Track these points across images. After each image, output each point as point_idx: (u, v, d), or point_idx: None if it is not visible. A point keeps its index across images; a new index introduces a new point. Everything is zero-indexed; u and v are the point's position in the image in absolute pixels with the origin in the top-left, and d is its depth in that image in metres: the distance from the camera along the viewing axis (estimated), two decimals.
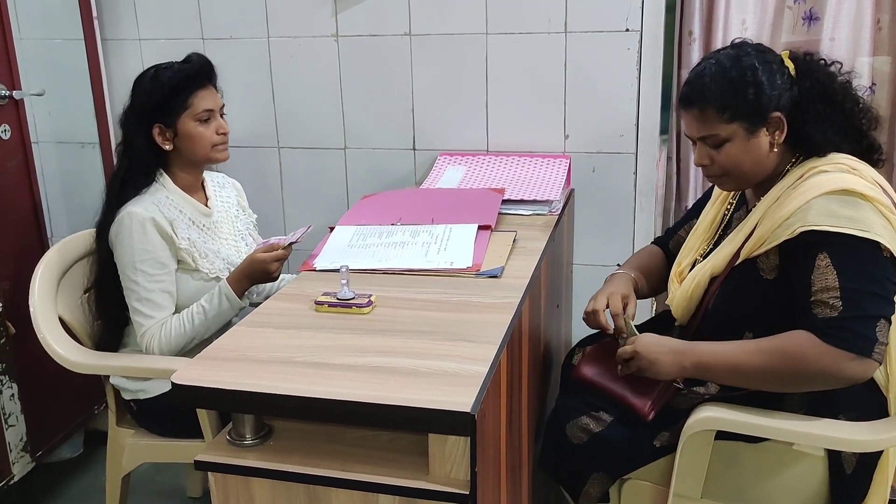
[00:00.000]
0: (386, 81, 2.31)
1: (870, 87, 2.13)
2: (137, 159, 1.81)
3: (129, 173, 1.81)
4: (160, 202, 1.79)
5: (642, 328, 1.68)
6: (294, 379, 1.16)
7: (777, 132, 1.44)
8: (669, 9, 2.12)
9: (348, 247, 1.70)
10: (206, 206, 1.92)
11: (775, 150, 1.45)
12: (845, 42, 2.11)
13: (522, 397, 1.52)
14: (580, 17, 2.12)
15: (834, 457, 1.43)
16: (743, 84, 1.41)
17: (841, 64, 1.50)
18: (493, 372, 1.17)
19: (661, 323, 1.76)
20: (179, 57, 1.87)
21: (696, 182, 2.34)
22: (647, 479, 1.55)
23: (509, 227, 1.84)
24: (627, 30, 2.10)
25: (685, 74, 2.18)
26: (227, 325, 1.79)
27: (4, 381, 2.05)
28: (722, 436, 1.44)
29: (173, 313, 1.79)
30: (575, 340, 1.92)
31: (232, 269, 1.83)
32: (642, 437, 1.52)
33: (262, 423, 1.24)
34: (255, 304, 1.92)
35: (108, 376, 1.87)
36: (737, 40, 1.52)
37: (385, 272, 1.59)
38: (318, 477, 1.15)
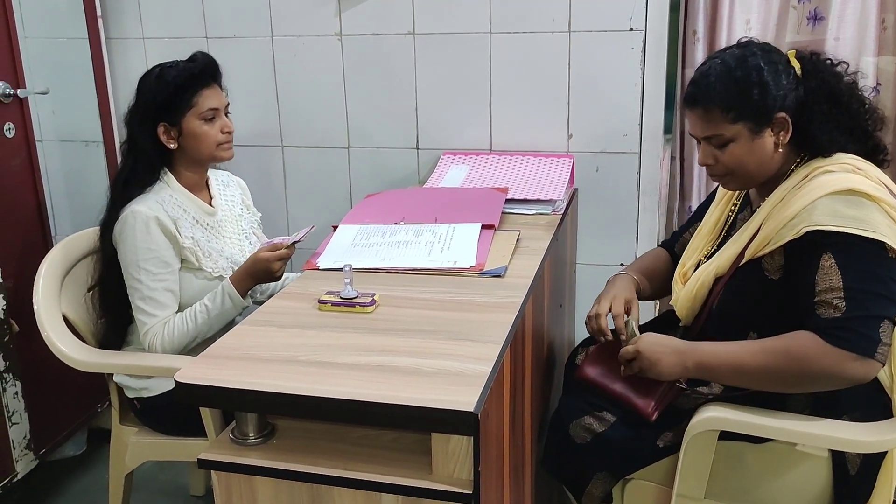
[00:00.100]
0: (389, 80, 2.31)
1: (875, 88, 2.12)
2: (142, 158, 1.81)
3: (134, 172, 1.81)
4: (164, 201, 1.79)
5: (645, 328, 1.68)
6: (297, 378, 1.16)
7: (782, 132, 1.44)
8: (674, 8, 2.12)
9: (352, 246, 1.70)
10: (211, 204, 1.92)
11: (780, 150, 1.45)
12: (850, 42, 2.10)
13: (525, 397, 1.52)
14: (584, 17, 2.12)
15: (838, 457, 1.43)
16: (748, 84, 1.41)
17: (847, 64, 1.50)
18: (497, 372, 1.17)
19: (665, 323, 1.76)
20: (183, 56, 1.87)
21: (699, 182, 2.33)
22: (650, 480, 1.55)
23: (512, 226, 1.84)
24: (631, 29, 2.10)
25: (689, 74, 2.19)
26: (231, 324, 1.79)
27: (8, 379, 2.06)
28: (725, 436, 1.43)
29: (176, 312, 1.79)
30: (578, 340, 1.92)
31: (236, 268, 1.84)
32: (645, 437, 1.52)
33: (265, 422, 1.24)
34: (258, 303, 1.93)
35: (112, 374, 1.87)
36: (743, 40, 1.51)
37: (388, 271, 1.59)
38: (321, 476, 1.15)
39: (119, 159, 1.95)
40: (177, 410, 1.75)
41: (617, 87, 2.14)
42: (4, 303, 2.03)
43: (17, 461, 2.10)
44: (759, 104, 1.41)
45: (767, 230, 1.42)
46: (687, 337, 1.60)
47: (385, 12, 2.25)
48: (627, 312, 1.62)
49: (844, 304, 1.31)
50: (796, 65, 1.45)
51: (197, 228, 1.84)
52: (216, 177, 2.00)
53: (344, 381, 1.15)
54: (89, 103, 2.40)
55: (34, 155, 2.16)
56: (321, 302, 1.41)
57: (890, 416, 1.43)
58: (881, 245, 1.33)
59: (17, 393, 2.09)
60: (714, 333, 1.52)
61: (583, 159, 2.22)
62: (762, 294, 1.45)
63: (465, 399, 1.08)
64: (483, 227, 1.74)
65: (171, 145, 1.82)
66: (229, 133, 1.87)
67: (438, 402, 1.08)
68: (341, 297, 1.40)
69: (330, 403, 1.11)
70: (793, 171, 1.47)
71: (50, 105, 2.43)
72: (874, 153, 1.49)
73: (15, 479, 2.11)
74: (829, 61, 1.49)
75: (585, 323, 1.65)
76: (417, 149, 2.35)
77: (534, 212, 1.97)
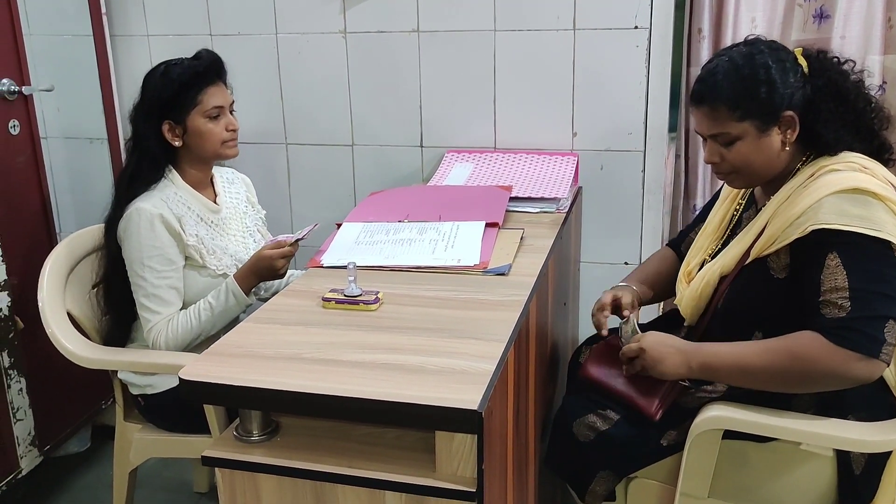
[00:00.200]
0: (394, 78, 2.31)
1: (881, 86, 2.11)
2: (147, 155, 1.81)
3: (139, 169, 1.81)
4: (169, 198, 1.79)
5: (649, 327, 1.68)
6: (301, 375, 1.16)
7: (789, 131, 1.43)
8: (679, 6, 2.11)
9: (355, 243, 1.70)
10: (215, 202, 1.92)
11: (787, 148, 1.44)
12: (856, 40, 2.09)
13: (529, 395, 1.52)
14: (589, 14, 2.11)
15: (843, 457, 1.42)
16: (755, 82, 1.40)
17: (854, 62, 1.49)
18: (501, 370, 1.17)
19: (668, 322, 1.76)
20: (188, 53, 1.87)
21: (704, 180, 2.33)
22: (653, 478, 1.55)
23: (516, 224, 1.83)
24: (636, 27, 2.09)
25: (694, 72, 2.18)
26: (235, 322, 1.79)
27: (13, 376, 2.06)
28: (729, 435, 1.43)
29: (181, 309, 1.80)
30: (582, 338, 1.92)
31: (240, 265, 1.84)
32: (649, 435, 1.52)
33: (269, 420, 1.24)
34: (262, 300, 1.93)
35: (116, 371, 1.88)
36: (750, 37, 1.50)
37: (392, 269, 1.59)
38: (325, 473, 1.15)
39: (124, 156, 1.95)
40: (181, 407, 1.74)
41: (621, 85, 2.14)
42: (9, 299, 2.04)
43: (21, 457, 2.11)
44: (766, 102, 1.40)
45: (773, 229, 1.42)
46: (691, 336, 1.60)
47: (389, 10, 2.25)
48: (629, 309, 1.63)
49: (850, 304, 1.30)
50: (803, 63, 1.45)
51: (201, 226, 1.84)
52: (221, 174, 2.00)
53: (348, 378, 1.15)
54: (94, 100, 2.40)
55: (39, 152, 2.16)
56: (325, 300, 1.41)
57: (895, 415, 1.43)
58: (887, 244, 1.33)
59: (21, 389, 2.09)
60: (719, 333, 1.51)
61: (587, 157, 2.22)
62: (767, 293, 1.44)
63: (469, 397, 1.08)
64: (487, 225, 1.74)
65: (176, 143, 1.82)
66: (234, 131, 1.87)
67: (442, 401, 1.08)
68: (345, 295, 1.40)
69: (334, 401, 1.11)
70: (798, 169, 1.46)
71: (55, 102, 2.43)
72: (880, 152, 1.48)
73: (19, 476, 2.11)
74: (835, 59, 1.49)
75: (592, 315, 1.67)
76: (421, 147, 2.35)
77: (538, 210, 1.97)
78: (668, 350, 1.45)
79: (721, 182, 1.67)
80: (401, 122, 2.34)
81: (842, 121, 1.43)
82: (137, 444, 1.89)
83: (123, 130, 2.38)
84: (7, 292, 2.03)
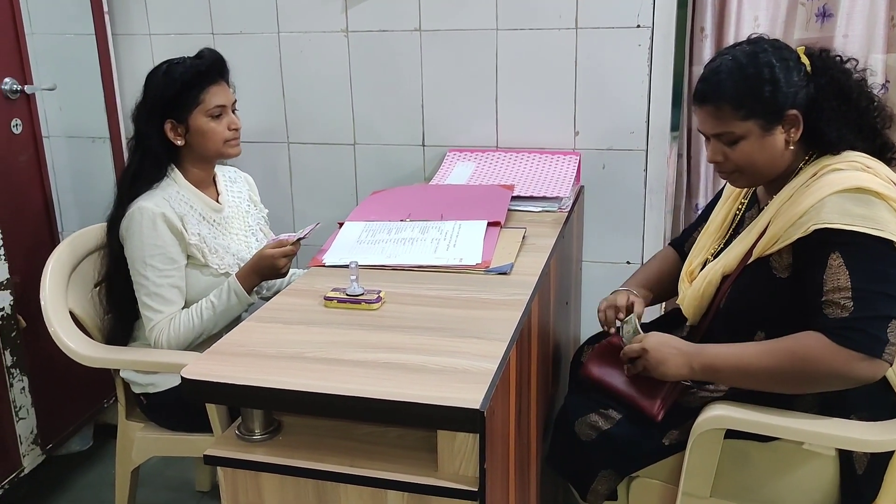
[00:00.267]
0: (396, 77, 2.31)
1: (883, 85, 2.11)
2: (149, 154, 1.81)
3: (141, 168, 1.81)
4: (171, 197, 1.80)
5: (651, 327, 1.67)
6: (303, 374, 1.16)
7: (793, 130, 1.43)
8: (681, 5, 2.11)
9: (357, 243, 1.70)
10: (217, 201, 1.92)
11: (790, 147, 1.44)
12: (859, 39, 2.09)
13: (531, 394, 1.52)
14: (591, 13, 2.11)
15: (845, 457, 1.42)
16: (760, 81, 1.40)
17: (856, 61, 1.49)
18: (503, 369, 1.17)
19: (670, 322, 1.76)
20: (190, 52, 1.87)
21: (706, 179, 2.32)
22: (655, 478, 1.55)
23: (519, 223, 1.83)
24: (639, 26, 2.09)
25: (697, 71, 2.18)
26: (237, 321, 1.79)
27: (15, 374, 2.06)
28: (732, 434, 1.43)
29: (182, 308, 1.80)
30: (584, 338, 1.92)
31: (242, 264, 1.84)
32: (651, 435, 1.52)
33: (271, 419, 1.24)
34: (265, 299, 1.93)
35: (118, 370, 1.88)
36: (753, 36, 1.50)
37: (394, 268, 1.58)
38: (327, 472, 1.15)
39: (126, 156, 1.95)
40: (183, 406, 1.74)
41: (624, 84, 2.14)
42: (11, 298, 2.04)
43: (23, 456, 2.11)
44: (770, 101, 1.40)
45: (775, 228, 1.42)
46: (693, 336, 1.60)
47: (391, 8, 2.25)
48: (630, 310, 1.63)
49: (852, 303, 1.30)
50: (805, 62, 1.44)
51: (203, 225, 1.84)
52: (223, 173, 2.00)
53: (350, 377, 1.15)
54: (96, 99, 2.40)
55: (41, 151, 2.16)
56: (327, 299, 1.41)
57: None
58: (890, 244, 1.32)
59: (24, 388, 2.09)
60: (721, 332, 1.51)
61: (589, 156, 2.22)
62: (770, 293, 1.44)
63: (471, 396, 1.08)
64: (489, 224, 1.74)
65: (179, 142, 1.82)
66: (236, 130, 1.87)
67: (444, 400, 1.08)
68: (347, 294, 1.40)
69: (336, 400, 1.11)
70: (801, 168, 1.46)
71: (57, 101, 2.43)
72: (882, 151, 1.48)
73: (22, 474, 2.12)
74: (837, 58, 1.48)
75: (599, 311, 1.67)
76: (423, 146, 2.35)
77: (540, 209, 1.97)
78: (670, 351, 1.45)
79: (723, 181, 1.66)
80: (403, 120, 2.34)
81: (845, 119, 1.42)
82: (139, 442, 1.90)
83: (125, 129, 2.38)
84: (9, 291, 2.03)
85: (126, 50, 2.49)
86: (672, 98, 2.15)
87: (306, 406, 1.16)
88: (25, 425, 2.11)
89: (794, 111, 1.41)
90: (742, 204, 1.63)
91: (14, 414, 2.07)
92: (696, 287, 1.57)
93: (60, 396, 2.22)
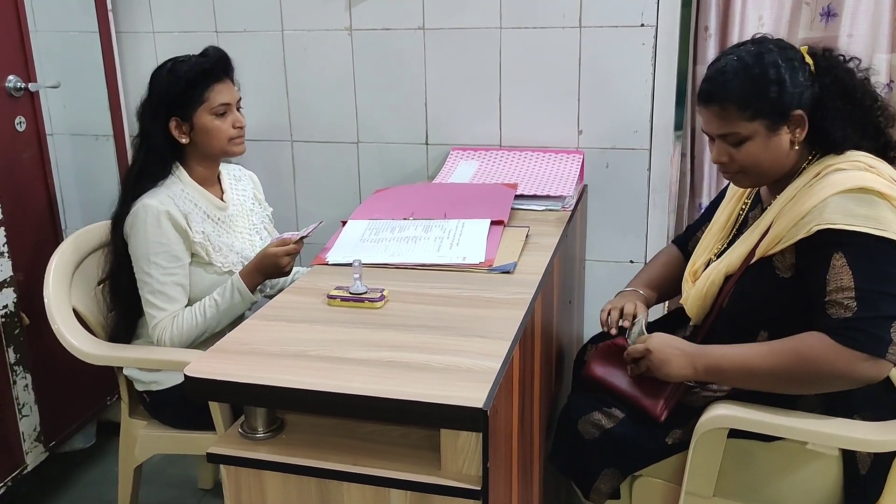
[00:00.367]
0: (399, 75, 2.31)
1: (887, 85, 2.10)
2: (154, 152, 1.81)
3: (146, 166, 1.81)
4: (175, 195, 1.80)
5: (654, 326, 1.67)
6: (306, 373, 1.16)
7: (798, 130, 1.42)
8: (685, 4, 2.10)
9: (360, 241, 1.70)
10: (222, 199, 1.93)
11: (796, 147, 1.44)
12: (863, 39, 2.08)
13: (534, 393, 1.52)
14: (595, 12, 2.11)
15: (849, 456, 1.42)
16: (765, 82, 1.39)
17: (859, 60, 1.48)
18: (506, 368, 1.17)
19: (674, 321, 1.76)
20: (193, 50, 1.87)
21: (710, 179, 2.32)
22: (658, 477, 1.55)
23: (522, 222, 1.83)
24: (643, 25, 2.09)
25: (700, 70, 2.18)
26: (240, 319, 1.80)
27: (19, 372, 2.07)
28: (735, 434, 1.43)
29: (186, 306, 1.80)
30: (587, 337, 1.92)
31: (245, 262, 1.84)
32: (654, 434, 1.52)
33: (274, 417, 1.24)
34: (268, 297, 1.93)
35: (122, 368, 1.88)
36: (757, 35, 1.50)
37: (397, 267, 1.58)
38: (330, 471, 1.15)
39: (129, 153, 1.95)
40: (186, 404, 1.75)
41: (627, 83, 2.14)
42: (15, 296, 2.04)
43: (27, 453, 2.11)
44: (776, 102, 1.40)
45: (779, 228, 1.41)
46: (696, 335, 1.60)
47: (395, 7, 2.25)
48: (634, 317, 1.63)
49: (855, 304, 1.30)
50: (809, 61, 1.44)
51: (208, 223, 1.84)
52: (228, 171, 2.00)
53: (353, 376, 1.15)
54: (100, 97, 2.41)
55: (45, 148, 2.16)
56: (330, 297, 1.41)
57: None
58: (893, 244, 1.32)
59: (27, 385, 2.10)
60: (724, 332, 1.51)
61: (593, 155, 2.22)
62: (773, 293, 1.44)
63: (474, 395, 1.08)
64: (492, 223, 1.74)
65: (183, 140, 1.82)
66: (241, 128, 1.87)
67: (448, 398, 1.08)
68: (350, 293, 1.40)
69: (339, 398, 1.11)
70: (804, 168, 1.46)
71: (61, 99, 2.43)
72: (886, 150, 1.47)
73: (25, 472, 2.12)
74: (840, 57, 1.48)
75: (603, 311, 1.67)
76: (427, 144, 2.35)
77: (543, 208, 1.97)
78: (673, 352, 1.45)
79: (727, 180, 1.66)
80: (406, 119, 2.34)
81: (849, 119, 1.42)
82: (142, 440, 1.90)
83: (129, 127, 2.39)
84: (13, 288, 2.03)
85: (130, 47, 2.49)
86: (676, 97, 2.14)
87: (309, 404, 1.16)
88: (28, 423, 2.11)
89: (800, 111, 1.40)
90: (745, 204, 1.62)
91: (17, 411, 2.07)
92: (699, 287, 1.57)
93: (63, 394, 2.23)
